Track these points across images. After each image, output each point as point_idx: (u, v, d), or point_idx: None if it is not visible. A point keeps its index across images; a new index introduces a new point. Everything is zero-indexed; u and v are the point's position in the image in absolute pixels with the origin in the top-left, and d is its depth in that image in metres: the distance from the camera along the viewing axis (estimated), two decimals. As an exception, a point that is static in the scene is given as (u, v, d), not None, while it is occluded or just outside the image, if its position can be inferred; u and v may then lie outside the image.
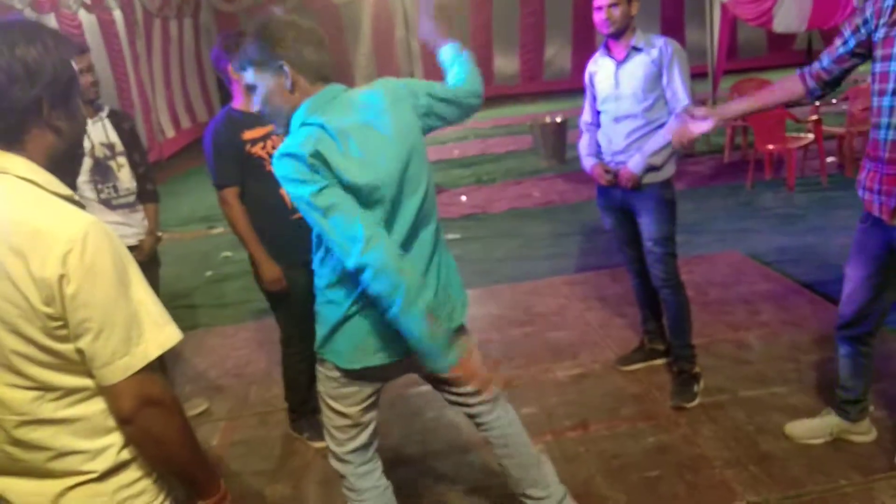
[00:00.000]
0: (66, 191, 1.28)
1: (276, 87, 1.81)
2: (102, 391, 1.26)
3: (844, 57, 2.37)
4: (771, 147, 6.59)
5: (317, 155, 1.72)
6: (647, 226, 3.15)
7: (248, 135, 2.88)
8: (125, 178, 3.23)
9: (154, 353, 1.25)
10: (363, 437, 2.13)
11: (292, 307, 3.02)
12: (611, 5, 2.98)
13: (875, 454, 2.70)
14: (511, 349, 3.93)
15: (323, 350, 2.05)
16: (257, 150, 2.87)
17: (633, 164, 3.07)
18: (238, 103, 2.94)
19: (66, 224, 1.20)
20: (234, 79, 2.88)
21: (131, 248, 3.20)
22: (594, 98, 3.25)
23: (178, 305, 5.11)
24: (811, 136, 6.60)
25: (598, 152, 3.26)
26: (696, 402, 3.18)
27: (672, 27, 14.59)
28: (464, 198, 7.52)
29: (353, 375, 2.03)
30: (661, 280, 3.20)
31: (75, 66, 1.41)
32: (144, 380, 1.25)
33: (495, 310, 4.48)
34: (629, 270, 3.44)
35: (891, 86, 2.21)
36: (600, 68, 3.19)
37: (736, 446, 2.85)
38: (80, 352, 1.22)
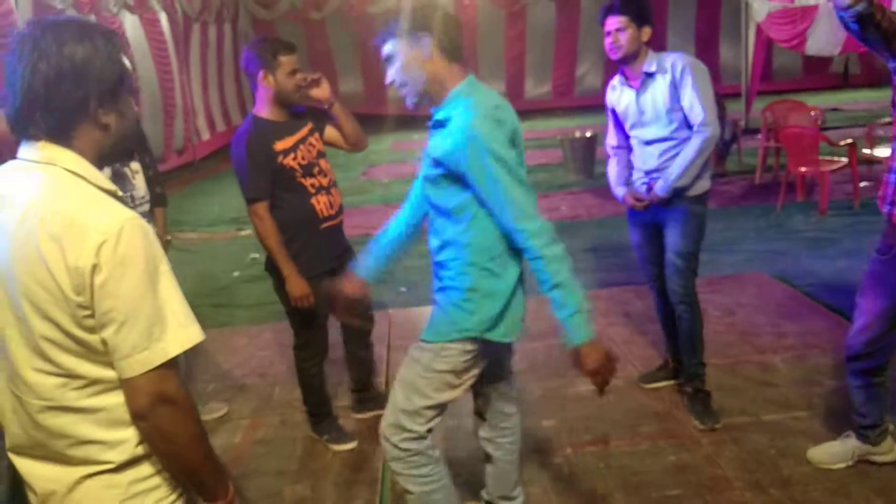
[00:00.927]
0: (111, 186, 1.32)
1: (415, 57, 1.96)
2: (121, 384, 1.28)
3: None
4: (803, 169, 6.53)
5: (503, 120, 1.97)
6: (673, 238, 3.13)
7: (280, 145, 2.85)
8: (140, 185, 3.17)
9: (174, 350, 1.26)
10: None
11: (312, 316, 3.02)
12: (618, 30, 2.95)
13: (899, 483, 2.66)
14: (533, 361, 3.93)
15: (495, 327, 2.10)
16: (289, 161, 2.85)
17: (659, 188, 3.05)
18: (263, 110, 2.90)
19: (104, 217, 1.23)
20: (263, 86, 2.85)
21: None
22: (617, 122, 3.24)
23: (206, 304, 5.18)
24: (845, 159, 6.53)
25: (627, 180, 3.24)
26: (722, 422, 3.14)
27: (707, 46, 14.54)
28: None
29: (487, 352, 2.16)
30: (677, 295, 3.17)
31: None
32: (162, 377, 1.26)
33: (519, 321, 4.48)
34: (651, 288, 3.42)
35: None
36: (622, 97, 3.15)
37: (757, 469, 2.82)
38: (104, 342, 1.25)
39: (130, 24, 9.20)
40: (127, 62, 1.34)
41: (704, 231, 3.15)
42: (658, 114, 3.02)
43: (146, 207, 3.23)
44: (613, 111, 3.23)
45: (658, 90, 3.01)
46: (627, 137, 3.23)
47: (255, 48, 2.86)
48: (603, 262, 5.56)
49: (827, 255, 5.27)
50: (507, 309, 2.10)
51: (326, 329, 3.15)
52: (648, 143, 3.10)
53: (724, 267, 5.19)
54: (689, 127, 3.02)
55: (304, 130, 2.95)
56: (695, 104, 2.95)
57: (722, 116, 8.32)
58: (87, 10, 8.14)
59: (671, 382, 3.50)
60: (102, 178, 1.31)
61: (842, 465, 2.77)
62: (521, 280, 2.14)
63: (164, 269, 1.29)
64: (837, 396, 3.28)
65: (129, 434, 1.32)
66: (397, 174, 9.72)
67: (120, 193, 1.34)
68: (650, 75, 3.02)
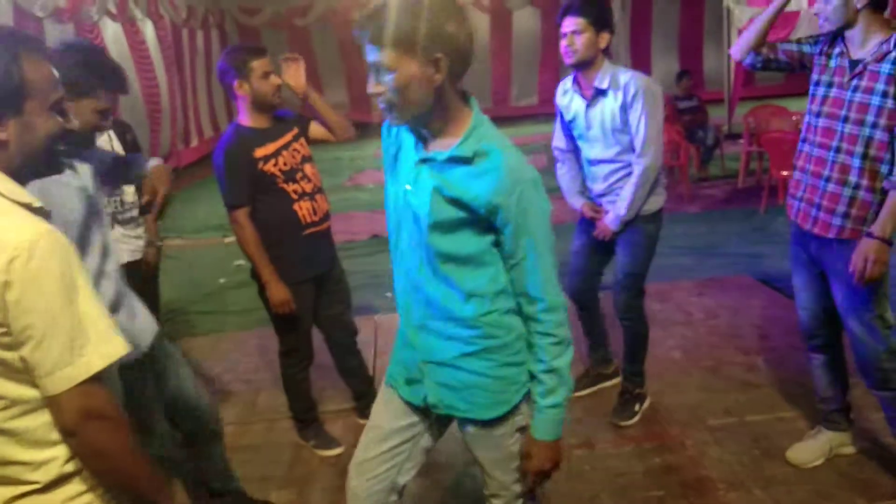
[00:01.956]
0: (28, 199, 1.27)
1: (424, 78, 1.51)
2: (47, 402, 1.24)
3: (793, 52, 2.66)
4: (785, 173, 6.59)
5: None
6: (623, 258, 3.11)
7: (260, 152, 2.84)
8: (129, 190, 3.17)
9: (98, 364, 1.23)
10: None
11: (296, 322, 3.01)
12: (575, 32, 2.81)
13: (880, 480, 2.69)
14: (519, 365, 3.94)
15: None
16: (270, 167, 2.84)
17: (610, 222, 3.03)
18: (244, 119, 2.90)
19: (16, 231, 1.19)
20: (240, 94, 2.84)
21: (137, 262, 3.23)
22: (565, 126, 3.17)
23: (193, 311, 5.15)
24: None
25: (582, 188, 3.20)
26: (635, 420, 3.23)
27: (691, 54, 14.67)
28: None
29: None
30: (622, 311, 3.18)
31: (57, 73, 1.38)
32: (89, 392, 1.22)
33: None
34: (572, 301, 3.26)
35: (816, 108, 2.54)
36: (572, 104, 3.06)
37: (741, 470, 2.85)
38: (23, 360, 1.20)
39: (112, 32, 9.16)
40: (36, 70, 1.26)
41: (654, 250, 3.13)
42: (604, 132, 2.95)
43: (135, 212, 3.23)
44: (562, 115, 3.16)
45: (607, 108, 2.90)
46: (575, 143, 3.17)
47: (226, 59, 2.85)
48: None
49: (809, 257, 5.31)
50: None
51: (311, 335, 3.15)
52: (593, 163, 3.05)
53: (707, 270, 5.23)
54: (634, 151, 2.94)
55: (289, 136, 2.95)
56: (640, 131, 2.87)
57: (705, 122, 8.42)
58: (67, 18, 8.09)
59: (597, 388, 3.51)
60: (19, 191, 1.26)
61: (821, 461, 2.81)
62: None
63: (84, 282, 1.24)
64: (820, 397, 3.32)
65: (55, 453, 1.28)
66: (382, 180, 9.69)
67: (37, 205, 1.28)
68: (602, 92, 2.91)
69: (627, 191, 2.96)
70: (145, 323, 2.26)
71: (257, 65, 2.82)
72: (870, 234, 2.40)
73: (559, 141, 3.25)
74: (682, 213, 6.94)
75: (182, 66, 11.34)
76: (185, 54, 11.66)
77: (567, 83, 3.11)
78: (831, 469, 2.79)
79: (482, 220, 1.60)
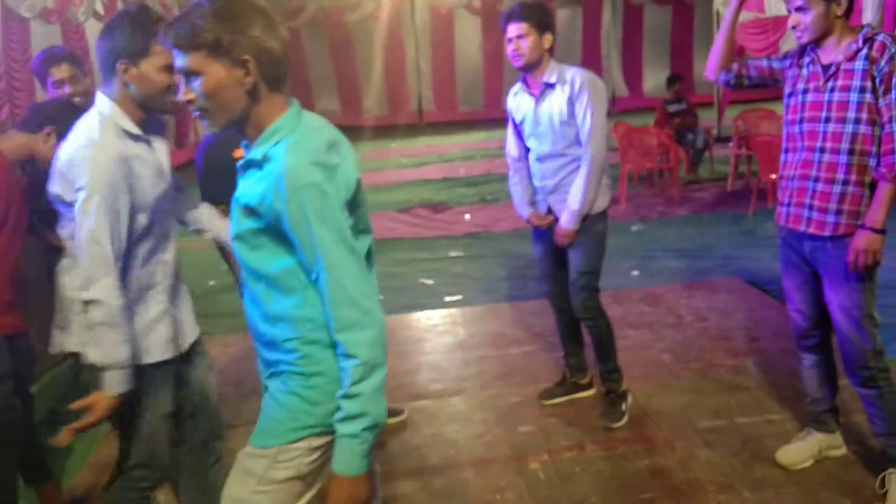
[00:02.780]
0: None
1: (231, 81, 1.47)
2: None
3: (763, 68, 2.75)
4: (774, 176, 6.63)
5: (335, 168, 1.52)
6: (576, 257, 3.17)
7: (239, 153, 2.83)
8: None
9: None
10: None
11: None
12: (519, 37, 2.95)
13: (867, 482, 2.71)
14: (510, 367, 3.95)
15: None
16: None
17: (565, 222, 3.09)
18: None
19: None
20: None
21: None
22: (517, 131, 3.25)
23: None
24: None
25: (531, 199, 3.28)
26: (624, 420, 3.24)
27: (681, 57, 14.74)
28: (468, 216, 7.57)
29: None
30: (581, 312, 3.22)
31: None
32: None
33: (496, 328, 4.51)
34: (551, 305, 3.45)
35: (795, 116, 2.62)
36: (521, 104, 3.17)
37: (731, 472, 2.86)
38: None
39: (97, 33, 9.14)
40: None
41: (605, 247, 3.20)
42: (553, 126, 3.05)
43: None
44: (514, 119, 3.25)
45: (556, 102, 3.02)
46: (527, 150, 3.25)
47: None
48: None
49: (798, 260, 5.34)
50: None
51: None
52: (542, 158, 3.13)
53: (697, 273, 5.26)
54: (576, 147, 3.05)
55: None
56: (586, 122, 2.99)
57: (695, 125, 8.47)
58: (54, 19, 8.06)
59: (571, 397, 3.51)
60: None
61: (809, 462, 2.82)
62: None
63: None
64: (808, 399, 3.34)
65: None
66: (374, 183, 9.73)
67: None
68: (550, 86, 3.03)
69: (578, 184, 3.04)
70: (191, 319, 2.33)
71: None
72: (862, 226, 2.48)
73: (511, 148, 3.34)
74: (672, 216, 6.97)
75: None
76: None
77: (516, 87, 3.22)
78: (820, 471, 2.80)
79: (277, 232, 1.50)
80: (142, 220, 2.06)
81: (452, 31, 14.83)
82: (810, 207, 2.59)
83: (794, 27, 2.53)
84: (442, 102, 15.22)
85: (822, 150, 2.55)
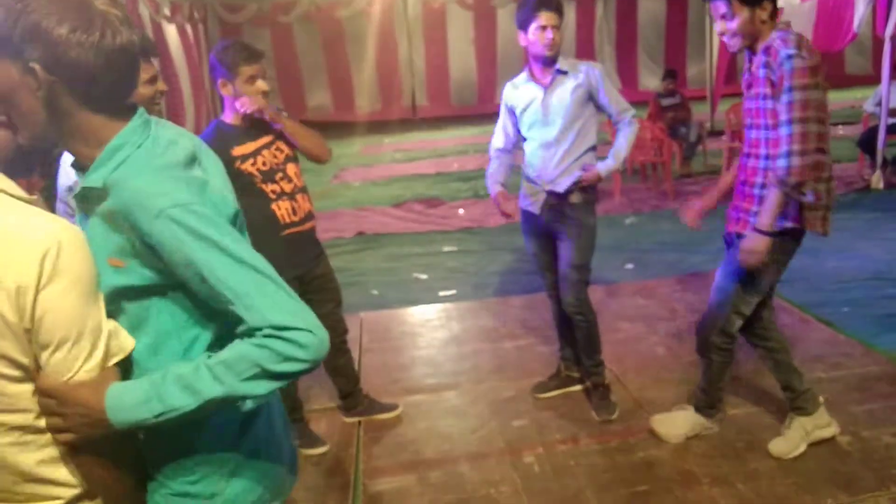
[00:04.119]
0: (23, 194, 1.20)
1: (24, 89, 1.18)
2: None
3: None
4: (767, 169, 6.65)
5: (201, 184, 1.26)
6: (567, 251, 3.18)
7: (238, 150, 2.81)
8: None
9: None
10: None
11: None
12: (554, 27, 2.98)
13: (861, 474, 2.72)
14: (504, 362, 3.95)
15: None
16: (247, 166, 2.81)
17: (602, 167, 3.13)
18: (229, 117, 2.88)
19: (40, 228, 1.13)
20: (223, 93, 2.83)
21: None
22: (515, 125, 3.27)
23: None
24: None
25: (505, 180, 3.34)
26: (618, 411, 3.28)
27: (675, 50, 14.76)
28: (461, 211, 7.56)
29: None
30: (572, 307, 3.23)
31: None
32: None
33: (489, 322, 4.51)
34: (549, 297, 3.46)
35: (746, 121, 2.67)
36: (524, 94, 3.17)
37: (724, 463, 2.87)
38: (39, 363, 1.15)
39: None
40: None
41: (595, 241, 3.22)
42: (564, 114, 3.07)
43: None
44: (512, 111, 3.25)
45: (567, 89, 3.06)
46: (515, 143, 3.29)
47: (218, 55, 2.82)
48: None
49: (791, 253, 5.36)
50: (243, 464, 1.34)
51: None
52: (548, 145, 3.13)
53: (691, 265, 5.26)
54: (591, 133, 3.14)
55: (272, 135, 2.93)
56: (620, 101, 3.11)
57: (688, 119, 8.47)
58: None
59: (565, 391, 3.52)
60: (14, 185, 1.20)
61: (801, 449, 2.85)
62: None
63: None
64: (801, 391, 3.35)
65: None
66: (367, 178, 9.72)
67: (31, 199, 1.20)
68: (563, 73, 3.06)
69: (625, 141, 3.15)
70: None
71: (246, 69, 2.78)
72: (752, 227, 2.58)
73: (499, 141, 3.35)
74: (666, 209, 6.97)
75: (176, 63, 11.27)
76: (179, 50, 11.64)
77: (518, 79, 3.22)
78: (814, 462, 2.81)
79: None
80: None
81: (445, 26, 14.79)
82: (739, 209, 2.70)
83: (721, 35, 2.57)
84: (435, 97, 15.19)
85: (748, 156, 2.66)
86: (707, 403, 3.03)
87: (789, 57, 2.40)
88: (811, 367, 3.54)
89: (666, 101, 8.50)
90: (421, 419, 3.41)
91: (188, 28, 12.28)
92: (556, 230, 3.21)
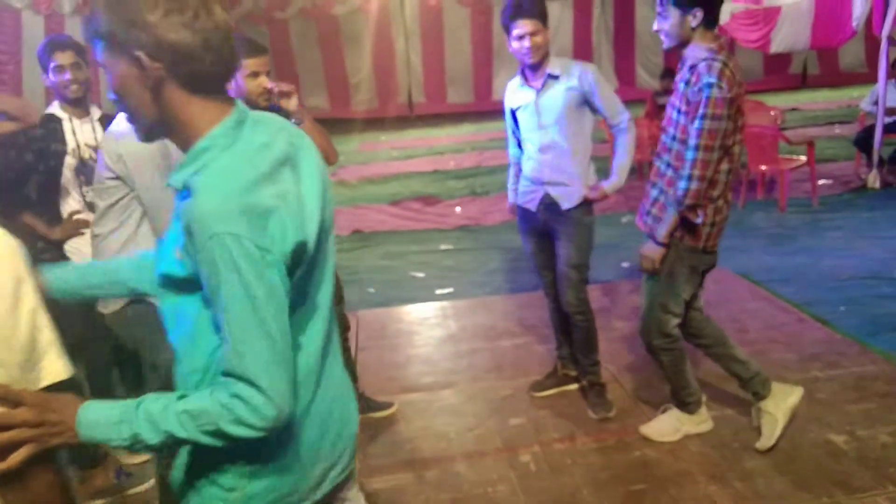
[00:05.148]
0: None
1: (132, 80, 1.23)
2: None
3: None
4: (764, 168, 6.65)
5: (270, 210, 1.22)
6: (565, 250, 3.17)
7: None
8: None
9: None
10: None
11: None
12: (532, 33, 2.92)
13: (857, 472, 2.73)
14: (501, 360, 3.94)
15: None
16: None
17: (608, 184, 3.14)
18: None
19: None
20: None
21: None
22: (516, 127, 3.26)
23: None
24: (804, 158, 6.67)
25: (514, 188, 3.36)
26: (615, 409, 3.28)
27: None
28: (458, 209, 7.56)
29: None
30: (571, 306, 3.22)
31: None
32: None
33: (486, 320, 4.50)
34: (546, 295, 3.44)
35: (664, 121, 2.76)
36: (519, 97, 3.16)
37: (721, 462, 2.87)
38: None
39: (73, 27, 9.04)
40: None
41: (593, 240, 3.21)
42: (556, 117, 3.05)
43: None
44: (512, 113, 3.23)
45: (559, 92, 3.03)
46: (520, 144, 3.28)
47: None
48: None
49: (787, 251, 5.37)
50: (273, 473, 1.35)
51: None
52: (543, 149, 3.12)
53: (687, 264, 5.26)
54: (586, 136, 3.11)
55: None
56: (616, 104, 3.09)
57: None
58: (43, 10, 7.98)
59: (562, 389, 3.52)
60: None
61: (778, 432, 2.90)
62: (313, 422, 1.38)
63: (29, 289, 1.14)
64: (798, 390, 3.36)
65: None
66: (364, 175, 9.70)
67: None
68: (554, 77, 3.03)
69: (624, 153, 3.13)
70: None
71: (249, 62, 2.75)
72: (651, 236, 2.76)
73: (512, 144, 3.37)
74: (663, 207, 6.97)
75: None
76: None
77: (514, 82, 3.21)
78: (810, 461, 2.82)
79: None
80: None
81: (442, 23, 14.77)
82: (643, 204, 2.85)
83: (656, 31, 2.66)
84: (432, 94, 15.17)
85: (659, 156, 2.76)
86: (680, 402, 3.04)
87: (709, 86, 2.50)
88: (808, 367, 3.55)
89: (663, 100, 8.49)
90: (417, 418, 3.40)
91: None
92: (554, 229, 3.20)
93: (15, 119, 2.74)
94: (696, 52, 2.57)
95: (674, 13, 2.56)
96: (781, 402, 2.91)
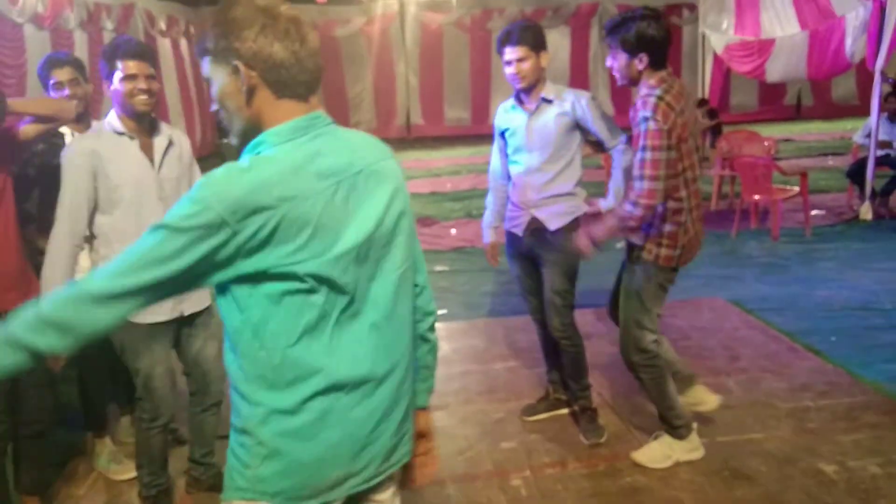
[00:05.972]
0: None
1: (232, 90, 1.38)
2: None
3: None
4: (757, 197, 6.70)
5: (284, 197, 1.36)
6: (550, 276, 3.18)
7: None
8: None
9: None
10: None
11: None
12: (519, 60, 2.97)
13: (848, 503, 2.73)
14: (493, 383, 3.94)
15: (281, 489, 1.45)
16: None
17: (606, 206, 3.20)
18: None
19: None
20: None
21: None
22: (504, 148, 3.28)
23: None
24: (797, 188, 6.73)
25: (497, 221, 3.40)
26: (606, 434, 3.29)
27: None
28: (454, 231, 7.59)
29: None
30: (558, 331, 3.23)
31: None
32: None
33: (480, 343, 4.51)
34: (534, 321, 3.44)
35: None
36: (511, 119, 3.19)
37: (711, 491, 2.87)
38: None
39: (81, 42, 9.09)
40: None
41: (578, 265, 3.21)
42: (546, 141, 3.07)
43: None
44: (502, 134, 3.26)
45: (551, 116, 3.06)
46: (508, 164, 3.28)
47: None
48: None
49: (779, 280, 5.40)
50: (294, 461, 1.39)
51: None
52: (530, 171, 3.14)
53: (680, 292, 5.24)
54: (576, 163, 3.13)
55: None
56: (611, 129, 3.12)
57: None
58: (46, 25, 8.03)
59: (553, 413, 3.52)
60: None
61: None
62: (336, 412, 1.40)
63: None
64: (790, 418, 3.36)
65: None
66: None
67: None
68: (548, 101, 3.07)
69: (619, 179, 3.15)
70: (200, 292, 2.60)
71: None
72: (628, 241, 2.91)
73: (495, 163, 3.38)
74: (657, 234, 7.01)
75: (160, 77, 11.35)
76: (171, 62, 11.68)
77: (507, 104, 3.24)
78: (800, 491, 2.81)
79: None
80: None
81: (441, 47, 14.92)
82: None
83: (608, 67, 2.83)
84: (429, 116, 15.29)
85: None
86: (669, 426, 3.04)
87: (645, 119, 2.65)
88: (799, 396, 3.56)
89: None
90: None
91: (183, 43, 12.36)
92: (539, 254, 3.21)
93: (49, 120, 2.73)
94: (642, 89, 2.74)
95: (621, 56, 2.74)
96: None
